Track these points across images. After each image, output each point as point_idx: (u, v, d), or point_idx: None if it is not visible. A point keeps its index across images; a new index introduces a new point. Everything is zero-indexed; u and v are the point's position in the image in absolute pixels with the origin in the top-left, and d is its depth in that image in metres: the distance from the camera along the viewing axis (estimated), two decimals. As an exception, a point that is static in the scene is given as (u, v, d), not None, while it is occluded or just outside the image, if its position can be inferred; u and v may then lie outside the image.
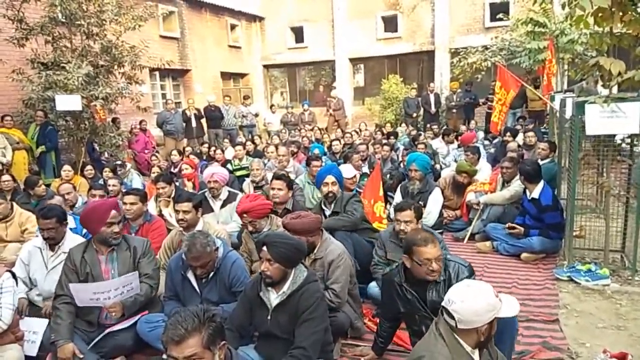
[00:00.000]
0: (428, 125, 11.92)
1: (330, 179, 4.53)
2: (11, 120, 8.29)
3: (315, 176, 5.40)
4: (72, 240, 3.71)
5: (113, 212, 3.32)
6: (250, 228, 3.88)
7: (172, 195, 5.22)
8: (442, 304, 2.18)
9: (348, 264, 3.35)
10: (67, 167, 7.07)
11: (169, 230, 4.32)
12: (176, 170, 7.78)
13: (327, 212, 4.48)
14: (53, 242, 3.68)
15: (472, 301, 2.08)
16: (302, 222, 3.30)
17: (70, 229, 3.95)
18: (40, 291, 3.68)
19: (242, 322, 2.85)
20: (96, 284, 3.08)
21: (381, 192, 5.34)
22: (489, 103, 12.47)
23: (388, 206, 6.04)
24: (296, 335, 2.64)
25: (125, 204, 4.31)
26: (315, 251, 3.35)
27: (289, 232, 3.27)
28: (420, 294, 2.73)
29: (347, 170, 5.57)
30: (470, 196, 5.88)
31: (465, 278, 2.60)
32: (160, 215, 5.05)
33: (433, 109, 13.33)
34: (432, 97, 13.36)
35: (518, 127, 9.54)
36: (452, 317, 2.11)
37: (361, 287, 3.79)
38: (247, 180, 6.40)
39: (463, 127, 10.98)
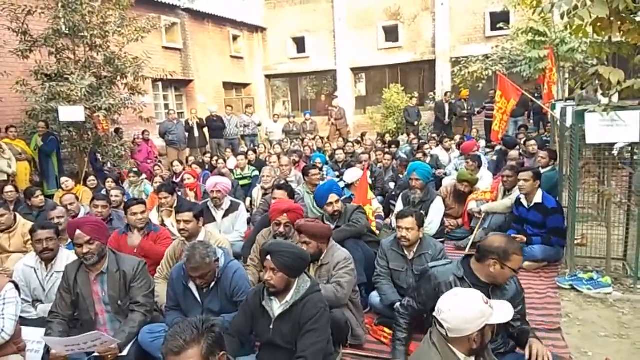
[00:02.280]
0: (429, 134, 11.94)
1: (333, 197, 4.48)
2: (15, 132, 8.37)
3: (315, 185, 5.43)
4: (65, 258, 3.68)
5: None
6: (281, 230, 3.82)
7: (174, 205, 5.25)
8: (433, 313, 2.19)
9: (353, 269, 3.39)
10: (64, 178, 7.00)
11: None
12: (178, 180, 7.81)
13: (332, 226, 4.41)
14: (50, 256, 3.62)
15: (460, 309, 2.09)
16: (316, 225, 3.38)
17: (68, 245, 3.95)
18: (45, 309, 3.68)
19: (243, 329, 2.86)
20: (65, 339, 2.92)
21: (369, 195, 5.35)
22: (486, 111, 12.52)
23: (391, 215, 6.05)
24: (298, 345, 2.65)
25: (135, 214, 4.36)
26: (322, 257, 3.39)
27: (302, 234, 3.31)
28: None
29: (356, 173, 5.96)
30: (471, 205, 5.89)
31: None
32: (163, 225, 5.07)
33: (447, 120, 12.75)
34: (447, 107, 12.76)
35: (521, 135, 9.56)
36: (443, 327, 2.12)
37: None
38: (258, 186, 6.47)
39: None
